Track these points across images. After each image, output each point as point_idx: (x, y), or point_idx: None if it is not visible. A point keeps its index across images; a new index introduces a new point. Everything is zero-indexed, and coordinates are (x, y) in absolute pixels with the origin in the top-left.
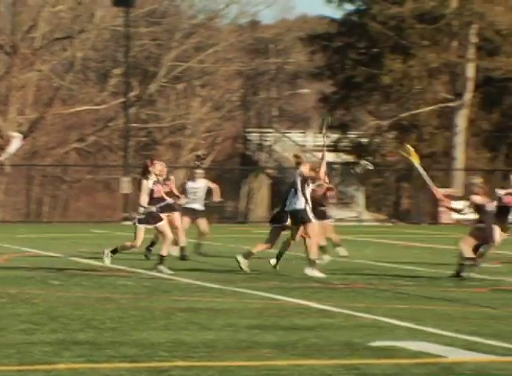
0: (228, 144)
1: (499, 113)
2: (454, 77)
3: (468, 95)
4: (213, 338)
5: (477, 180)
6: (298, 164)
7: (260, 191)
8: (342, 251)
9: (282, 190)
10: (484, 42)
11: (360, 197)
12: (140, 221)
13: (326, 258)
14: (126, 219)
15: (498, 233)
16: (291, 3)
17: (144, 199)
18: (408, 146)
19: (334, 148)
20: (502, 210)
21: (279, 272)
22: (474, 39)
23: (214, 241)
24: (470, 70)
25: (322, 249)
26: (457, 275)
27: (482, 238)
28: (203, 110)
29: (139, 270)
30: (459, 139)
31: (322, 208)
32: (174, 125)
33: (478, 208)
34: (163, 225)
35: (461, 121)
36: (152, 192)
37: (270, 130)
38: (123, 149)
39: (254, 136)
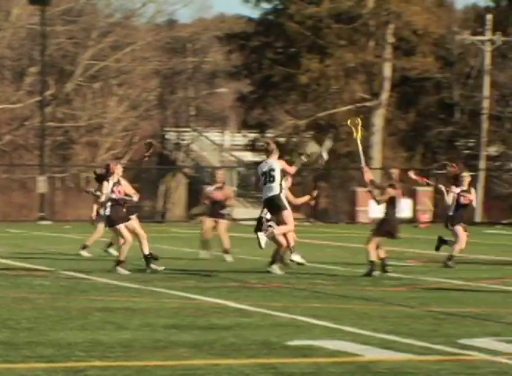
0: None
1: (415, 112)
2: (371, 77)
3: (385, 95)
4: (130, 337)
5: (395, 171)
6: (269, 152)
7: (177, 190)
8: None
9: (199, 190)
10: (401, 42)
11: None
12: (115, 221)
13: (203, 253)
14: (42, 219)
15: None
16: (208, 2)
17: (105, 200)
18: (358, 119)
19: (251, 148)
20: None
21: (196, 271)
22: (390, 39)
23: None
24: (387, 70)
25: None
26: (368, 274)
27: (387, 232)
28: (120, 109)
29: (57, 270)
30: (376, 139)
31: (223, 210)
32: (90, 124)
33: (390, 200)
34: (123, 227)
35: (378, 120)
36: (112, 193)
37: (187, 129)
38: (39, 148)
39: (171, 135)
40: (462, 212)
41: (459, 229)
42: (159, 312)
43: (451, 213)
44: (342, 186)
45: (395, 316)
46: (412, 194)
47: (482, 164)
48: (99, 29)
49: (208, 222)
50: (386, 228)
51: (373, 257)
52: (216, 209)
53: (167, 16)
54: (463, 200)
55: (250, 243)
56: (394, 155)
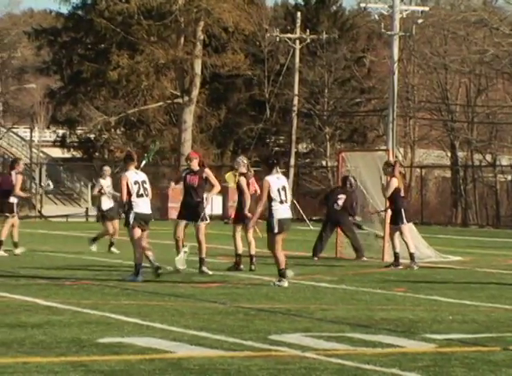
0: None
1: (226, 109)
2: (181, 74)
3: (195, 92)
4: None
5: (245, 160)
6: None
7: None
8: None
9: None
10: (211, 39)
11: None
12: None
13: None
14: None
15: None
16: None
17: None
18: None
19: (61, 144)
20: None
21: (3, 269)
22: (201, 36)
23: None
24: (198, 67)
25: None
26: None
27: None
28: None
29: None
30: (187, 136)
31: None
32: None
33: (239, 189)
34: None
35: (189, 117)
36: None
37: None
38: None
39: None
40: None
41: None
42: None
43: None
44: (153, 182)
45: (206, 312)
46: (222, 191)
47: (292, 161)
48: None
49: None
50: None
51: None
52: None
53: None
54: None
55: (61, 240)
56: (205, 152)
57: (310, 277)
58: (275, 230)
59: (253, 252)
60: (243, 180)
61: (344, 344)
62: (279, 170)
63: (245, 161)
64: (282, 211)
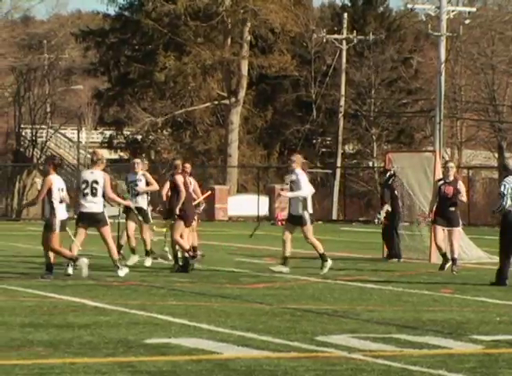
0: (1, 140)
1: (272, 110)
2: (228, 75)
3: (242, 93)
4: None
5: (179, 161)
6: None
7: (33, 188)
8: None
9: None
10: (258, 40)
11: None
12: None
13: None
14: None
15: None
16: None
17: None
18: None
19: (109, 145)
20: None
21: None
22: (248, 37)
23: None
24: (245, 68)
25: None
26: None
27: (187, 221)
28: None
29: None
30: (234, 137)
31: None
32: None
33: (176, 187)
34: None
35: (235, 118)
36: None
37: (43, 126)
38: None
39: (27, 132)
40: None
41: None
42: (14, 310)
43: None
44: (200, 183)
45: (253, 313)
46: (269, 192)
47: (339, 161)
48: None
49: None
50: (185, 217)
51: (187, 246)
52: None
53: (23, 13)
54: None
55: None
56: (251, 153)
57: (356, 278)
58: None
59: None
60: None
61: (391, 345)
62: None
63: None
64: None
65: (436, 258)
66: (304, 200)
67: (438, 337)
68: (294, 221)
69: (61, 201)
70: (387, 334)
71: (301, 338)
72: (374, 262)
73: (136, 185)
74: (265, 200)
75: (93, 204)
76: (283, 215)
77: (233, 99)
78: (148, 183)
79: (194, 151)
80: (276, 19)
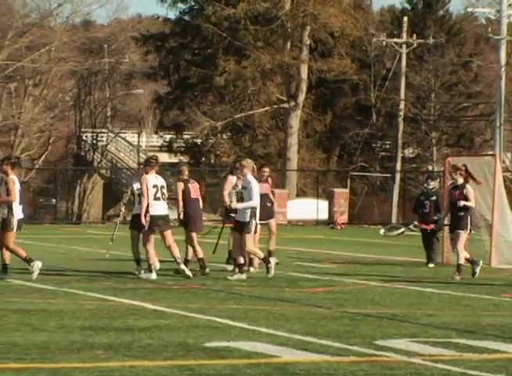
0: (62, 144)
1: (332, 114)
2: (288, 79)
3: (302, 97)
4: (45, 339)
5: (183, 167)
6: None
7: (93, 192)
8: None
9: (115, 191)
10: (318, 44)
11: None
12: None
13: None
14: None
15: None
16: (125, 3)
17: None
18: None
19: (168, 148)
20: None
21: (112, 273)
22: (307, 41)
23: (46, 241)
24: (304, 72)
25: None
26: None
27: (194, 226)
28: (35, 110)
29: None
30: (293, 140)
31: None
32: (5, 125)
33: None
34: None
35: (295, 122)
36: None
37: (104, 130)
38: None
39: (87, 136)
40: None
41: None
42: (75, 313)
43: None
44: None
45: (312, 317)
46: (329, 196)
47: (398, 165)
48: (14, 29)
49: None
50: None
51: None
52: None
53: (84, 17)
54: None
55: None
56: (310, 157)
57: (416, 282)
58: None
59: None
60: None
61: (451, 349)
62: None
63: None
64: None
65: (496, 263)
66: (254, 207)
67: (497, 341)
68: (239, 228)
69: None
70: (447, 338)
71: (360, 342)
72: (434, 267)
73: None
74: (324, 204)
75: (165, 208)
76: (343, 218)
77: (293, 103)
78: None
79: (253, 155)
80: (336, 23)
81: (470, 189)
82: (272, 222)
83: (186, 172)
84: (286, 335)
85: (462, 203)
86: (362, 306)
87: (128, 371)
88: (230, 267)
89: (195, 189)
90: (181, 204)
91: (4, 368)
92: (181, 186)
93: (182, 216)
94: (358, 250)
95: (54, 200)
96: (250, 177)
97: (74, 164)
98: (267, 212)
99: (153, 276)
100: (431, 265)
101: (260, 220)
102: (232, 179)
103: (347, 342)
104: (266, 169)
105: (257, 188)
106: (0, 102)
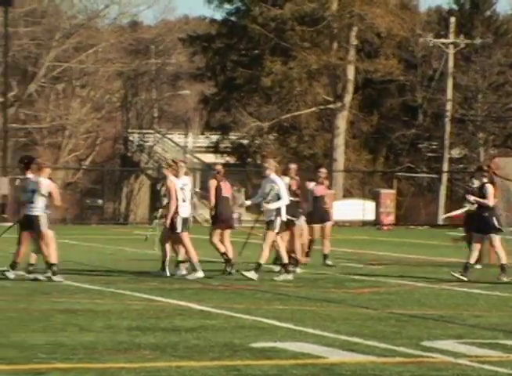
0: (108, 145)
1: (378, 115)
2: (334, 79)
3: (348, 97)
4: (92, 339)
5: (218, 166)
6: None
7: (140, 192)
8: None
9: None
10: (364, 44)
11: (241, 198)
12: None
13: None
14: (4, 220)
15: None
16: (172, 4)
17: None
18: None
19: (215, 149)
20: (317, 202)
21: (159, 273)
22: (354, 41)
23: (93, 242)
24: (350, 72)
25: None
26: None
27: (221, 224)
28: (82, 111)
29: (20, 272)
30: (339, 141)
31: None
32: (53, 126)
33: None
34: None
35: (341, 122)
36: None
37: (151, 131)
38: (1, 149)
39: (134, 137)
40: None
41: None
42: (122, 314)
43: None
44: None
45: (358, 318)
46: (375, 196)
47: (445, 166)
48: (62, 30)
49: (315, 227)
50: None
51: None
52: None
53: (131, 18)
54: None
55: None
56: (357, 157)
57: (462, 283)
58: None
59: None
60: None
61: (498, 351)
62: None
63: None
64: None
65: None
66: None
67: None
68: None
69: None
70: (494, 339)
71: (406, 343)
72: (481, 268)
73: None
74: (370, 205)
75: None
76: (389, 219)
77: (339, 104)
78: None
79: (300, 156)
80: (382, 24)
81: (489, 187)
82: (328, 225)
83: (222, 172)
84: (333, 336)
85: (472, 198)
86: (408, 307)
87: (175, 371)
88: (277, 268)
89: (227, 188)
90: (213, 200)
91: (51, 368)
92: (214, 183)
93: (212, 213)
94: (405, 251)
95: (101, 201)
96: (274, 176)
97: (121, 165)
98: (321, 214)
99: (200, 274)
100: (478, 266)
101: (314, 223)
102: (285, 181)
103: (394, 343)
104: (322, 170)
105: (283, 186)
106: (48, 103)
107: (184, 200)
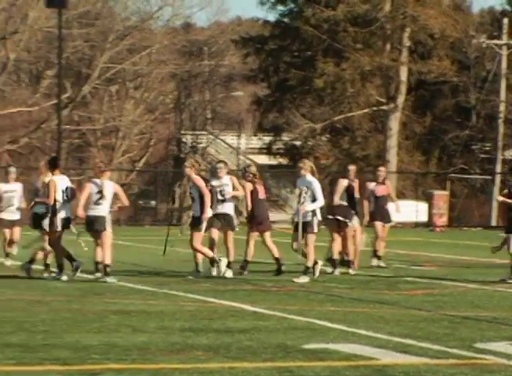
0: (162, 146)
1: (431, 116)
2: (387, 81)
3: (401, 99)
4: (145, 340)
5: (253, 168)
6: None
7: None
8: None
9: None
10: (417, 46)
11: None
12: None
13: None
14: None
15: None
16: (226, 5)
17: None
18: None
19: (268, 151)
20: (379, 202)
21: (212, 275)
22: (407, 42)
23: (146, 243)
24: (403, 74)
25: None
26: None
27: (258, 227)
28: (136, 112)
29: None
30: (392, 142)
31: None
32: (107, 127)
33: (251, 195)
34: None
35: (394, 124)
36: None
37: (203, 132)
38: (55, 151)
39: (187, 139)
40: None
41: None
42: (175, 315)
43: None
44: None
45: (411, 319)
46: (428, 198)
47: (498, 167)
48: (115, 32)
49: (380, 226)
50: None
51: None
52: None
53: (184, 20)
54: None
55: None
56: (410, 159)
57: None
58: None
59: None
60: None
61: None
62: None
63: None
64: None
65: None
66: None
67: None
68: (303, 227)
69: None
70: None
71: (459, 344)
72: None
73: (223, 190)
74: (423, 206)
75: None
76: (442, 221)
77: (392, 105)
78: (234, 188)
79: (352, 157)
80: (436, 25)
81: None
82: (387, 226)
83: (257, 174)
84: (385, 337)
85: (500, 198)
86: (461, 309)
87: (228, 373)
88: (329, 269)
89: (262, 191)
90: (249, 203)
91: (104, 369)
92: (249, 186)
93: (247, 215)
94: (458, 252)
95: (154, 202)
96: (309, 177)
97: (174, 166)
98: (383, 215)
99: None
100: None
101: (377, 221)
102: (343, 182)
103: (447, 345)
104: (381, 168)
105: (319, 187)
106: (101, 104)
107: (223, 200)
